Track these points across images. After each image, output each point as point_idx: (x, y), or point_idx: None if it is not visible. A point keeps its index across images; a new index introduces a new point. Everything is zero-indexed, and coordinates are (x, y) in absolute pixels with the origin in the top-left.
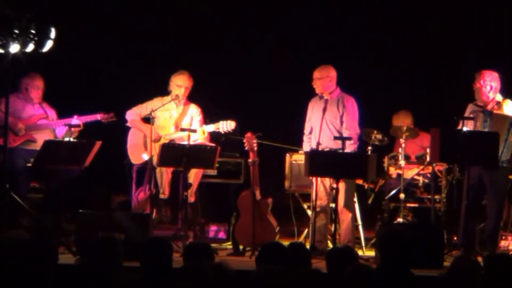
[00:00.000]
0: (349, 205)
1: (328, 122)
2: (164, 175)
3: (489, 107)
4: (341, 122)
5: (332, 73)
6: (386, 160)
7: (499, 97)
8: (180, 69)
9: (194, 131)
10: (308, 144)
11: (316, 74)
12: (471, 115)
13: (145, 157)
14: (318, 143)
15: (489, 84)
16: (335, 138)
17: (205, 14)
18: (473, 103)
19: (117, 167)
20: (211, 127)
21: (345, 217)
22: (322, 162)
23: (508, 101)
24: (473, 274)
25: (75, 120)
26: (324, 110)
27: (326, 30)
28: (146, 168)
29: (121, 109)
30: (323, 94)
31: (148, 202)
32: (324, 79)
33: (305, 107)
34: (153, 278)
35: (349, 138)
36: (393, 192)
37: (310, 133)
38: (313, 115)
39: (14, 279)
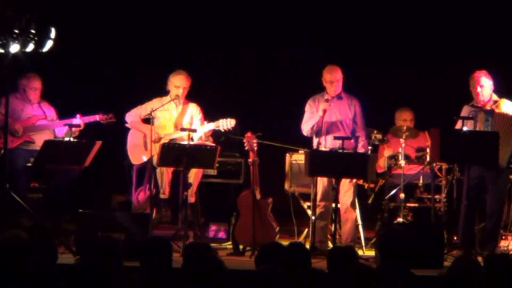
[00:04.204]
0: (354, 205)
1: (341, 122)
2: (164, 175)
3: (487, 106)
4: (355, 122)
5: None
6: (386, 160)
7: (494, 96)
8: (178, 69)
9: (194, 130)
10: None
11: (331, 77)
12: (470, 115)
13: (145, 158)
14: (319, 143)
15: (485, 85)
16: (335, 138)
17: (205, 14)
18: (469, 105)
19: (117, 167)
20: (211, 125)
21: (349, 216)
22: (322, 162)
23: (504, 100)
24: (473, 274)
25: (77, 119)
26: (325, 109)
27: (325, 30)
28: (146, 168)
29: (121, 109)
30: (327, 96)
31: (148, 202)
32: (340, 80)
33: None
34: (153, 278)
35: (349, 138)
36: (393, 192)
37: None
38: (316, 113)
39: (14, 279)
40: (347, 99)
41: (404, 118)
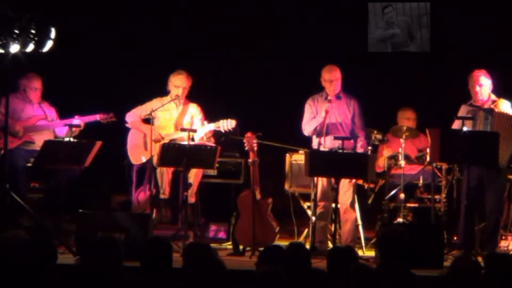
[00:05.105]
0: (353, 205)
1: (340, 123)
2: (165, 175)
3: (485, 106)
4: (353, 122)
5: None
6: (386, 160)
7: (493, 96)
8: (179, 69)
9: (195, 131)
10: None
11: (330, 76)
12: (469, 115)
13: (144, 159)
14: (319, 143)
15: (484, 84)
16: (335, 138)
17: (205, 13)
18: (468, 104)
19: (117, 167)
20: (211, 126)
21: (349, 216)
22: (322, 162)
23: (502, 100)
24: (473, 274)
25: (76, 120)
26: (327, 110)
27: (325, 30)
28: (146, 168)
29: (121, 109)
30: (329, 96)
31: (148, 202)
32: (339, 80)
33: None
34: (153, 278)
35: (349, 138)
36: (393, 192)
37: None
38: (319, 114)
39: (14, 279)
40: (346, 99)
41: (408, 117)
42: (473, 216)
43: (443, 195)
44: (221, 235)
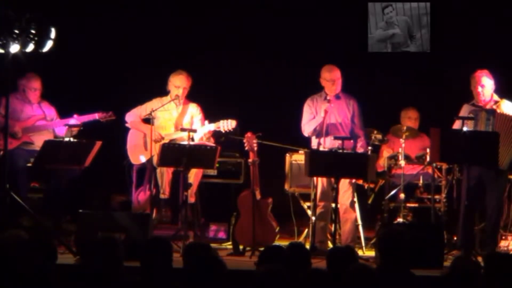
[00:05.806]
0: (353, 205)
1: (340, 123)
2: (165, 175)
3: (488, 106)
4: (353, 122)
5: None
6: (386, 160)
7: (495, 96)
8: (179, 69)
9: (195, 131)
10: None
11: (331, 75)
12: (470, 115)
13: (143, 159)
14: (319, 144)
15: (486, 85)
16: (335, 138)
17: (205, 14)
18: (470, 103)
19: (117, 167)
20: (211, 126)
21: (349, 216)
22: (322, 162)
23: (505, 101)
24: (473, 274)
25: (74, 119)
26: (326, 110)
27: (325, 30)
28: (146, 168)
29: (121, 109)
30: (328, 96)
31: (148, 202)
32: (340, 79)
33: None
34: (153, 278)
35: (349, 138)
36: (393, 192)
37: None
38: (318, 115)
39: (14, 279)
40: (345, 99)
41: (410, 116)
42: (472, 216)
43: (443, 195)
44: (221, 235)
